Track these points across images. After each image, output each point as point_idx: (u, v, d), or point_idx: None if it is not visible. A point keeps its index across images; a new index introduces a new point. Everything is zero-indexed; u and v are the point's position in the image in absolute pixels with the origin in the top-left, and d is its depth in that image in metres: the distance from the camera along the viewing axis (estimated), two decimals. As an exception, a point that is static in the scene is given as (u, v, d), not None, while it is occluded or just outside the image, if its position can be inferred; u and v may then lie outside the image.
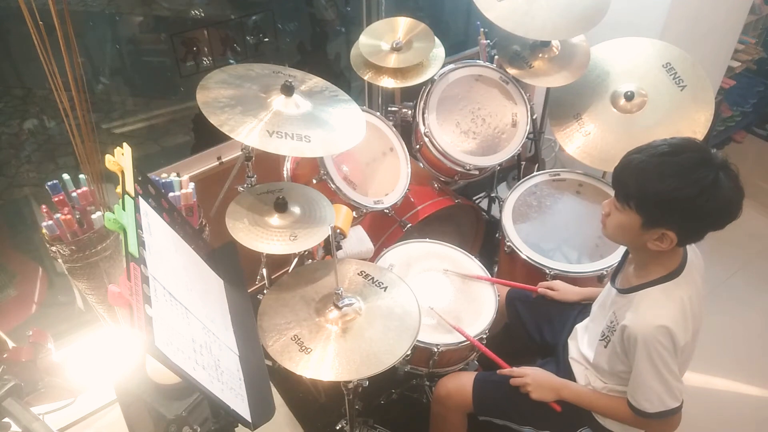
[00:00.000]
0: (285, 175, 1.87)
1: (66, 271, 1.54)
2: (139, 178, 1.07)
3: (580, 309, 1.63)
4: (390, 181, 1.92)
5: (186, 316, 1.01)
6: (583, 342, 1.46)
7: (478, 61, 2.12)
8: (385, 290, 1.44)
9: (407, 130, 2.11)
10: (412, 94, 2.07)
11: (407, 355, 1.49)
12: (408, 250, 1.84)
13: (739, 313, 2.51)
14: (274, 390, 1.97)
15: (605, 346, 1.34)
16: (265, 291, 1.49)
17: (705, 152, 1.13)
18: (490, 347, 1.69)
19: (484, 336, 1.64)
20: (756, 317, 2.50)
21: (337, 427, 1.82)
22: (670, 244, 1.18)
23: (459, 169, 2.04)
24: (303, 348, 1.27)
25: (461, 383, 1.56)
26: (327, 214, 1.50)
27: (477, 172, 2.10)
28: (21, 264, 2.07)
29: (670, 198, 1.12)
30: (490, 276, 1.75)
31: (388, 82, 1.96)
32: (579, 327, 1.53)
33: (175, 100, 2.34)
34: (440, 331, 1.63)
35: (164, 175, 1.60)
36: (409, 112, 2.09)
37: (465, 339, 1.59)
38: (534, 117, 2.13)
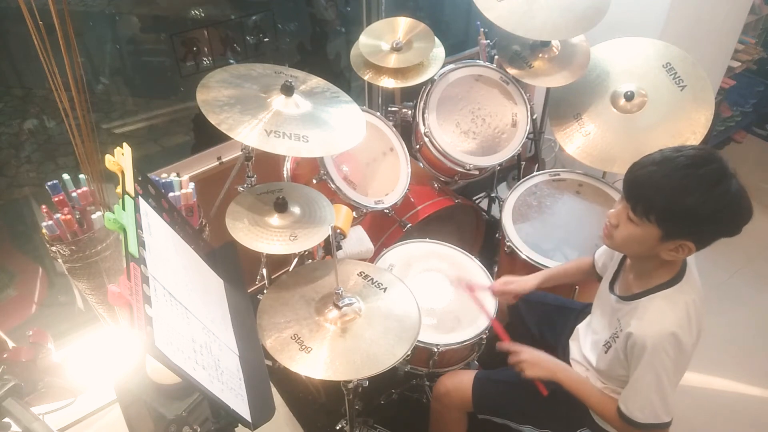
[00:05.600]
0: (285, 175, 1.87)
1: (66, 271, 1.54)
2: (139, 178, 1.07)
3: (581, 309, 1.63)
4: (390, 181, 1.92)
5: (186, 316, 1.01)
6: (585, 344, 1.45)
7: (478, 61, 2.13)
8: (384, 291, 1.44)
9: (407, 130, 2.11)
10: (412, 94, 2.07)
11: (407, 356, 1.49)
12: (408, 250, 1.84)
13: (740, 313, 2.51)
14: (274, 390, 1.97)
15: (606, 352, 1.34)
16: (265, 291, 1.49)
17: (722, 162, 1.12)
18: (489, 347, 1.69)
19: (484, 336, 1.64)
20: (756, 317, 2.50)
21: (337, 427, 1.82)
22: (689, 253, 1.17)
23: (459, 169, 2.04)
24: (303, 347, 1.27)
25: (461, 382, 1.56)
26: (327, 214, 1.50)
27: (477, 172, 2.10)
28: (21, 264, 2.07)
29: (696, 213, 1.11)
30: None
31: (388, 82, 1.97)
32: (580, 327, 1.52)
33: (175, 100, 2.34)
34: (440, 331, 1.63)
35: (164, 175, 1.60)
36: (409, 112, 2.09)
37: (465, 339, 1.59)
38: (534, 117, 2.13)
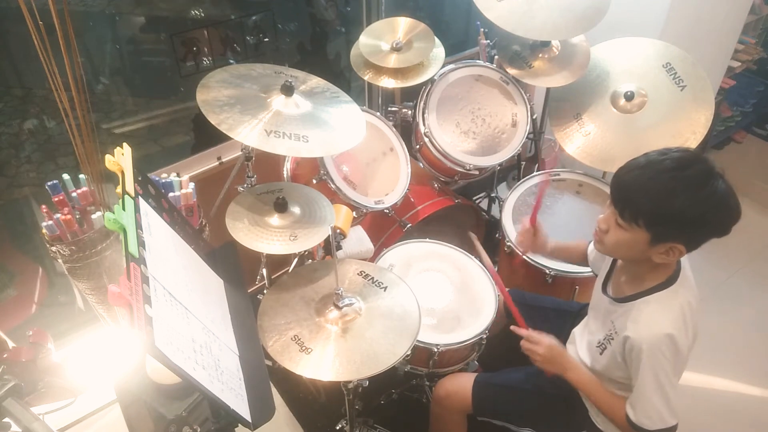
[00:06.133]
0: (285, 175, 1.87)
1: (66, 271, 1.54)
2: (139, 178, 1.07)
3: (577, 311, 1.63)
4: (390, 181, 1.92)
5: (186, 316, 1.01)
6: (581, 347, 1.45)
7: (478, 61, 2.13)
8: (385, 290, 1.44)
9: (407, 130, 2.11)
10: (412, 94, 2.07)
11: (407, 355, 1.49)
12: (408, 250, 1.84)
13: (740, 313, 2.50)
14: (274, 390, 1.97)
15: (600, 353, 1.33)
16: (265, 291, 1.49)
17: (707, 162, 1.12)
18: (489, 347, 1.70)
19: (484, 336, 1.64)
20: (756, 317, 2.50)
21: (337, 427, 1.82)
22: (680, 255, 1.17)
23: (459, 169, 2.04)
24: (303, 348, 1.27)
25: (461, 384, 1.55)
26: (327, 214, 1.50)
27: (477, 172, 2.10)
28: (21, 264, 2.07)
29: (683, 215, 1.10)
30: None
31: (388, 82, 1.97)
32: (576, 331, 1.52)
33: (175, 100, 2.34)
34: (440, 331, 1.63)
35: (164, 175, 1.60)
36: (409, 112, 2.09)
37: (465, 339, 1.59)
38: (534, 117, 2.13)
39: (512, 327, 1.49)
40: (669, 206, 1.11)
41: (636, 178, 1.14)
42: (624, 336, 1.23)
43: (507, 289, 1.77)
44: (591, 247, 1.55)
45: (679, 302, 1.21)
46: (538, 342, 1.43)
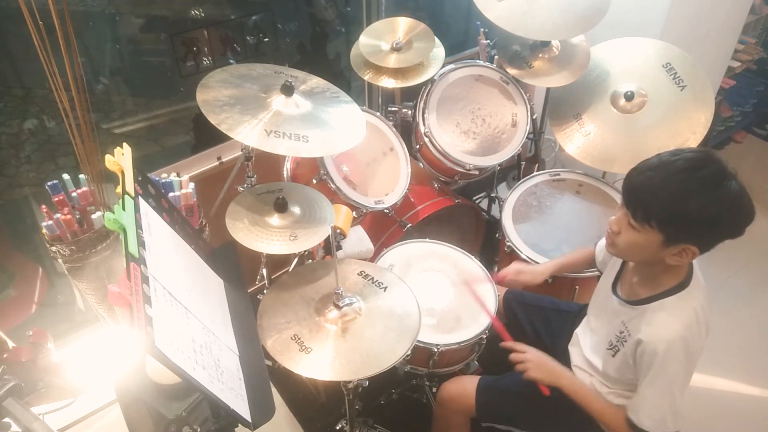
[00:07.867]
0: (285, 175, 1.87)
1: (66, 271, 1.54)
2: (139, 178, 1.07)
3: (577, 311, 1.62)
4: (390, 181, 1.92)
5: (186, 316, 1.01)
6: (585, 348, 1.44)
7: (478, 61, 2.12)
8: (385, 290, 1.44)
9: (407, 130, 2.11)
10: (412, 94, 2.07)
11: (407, 355, 1.49)
12: (408, 250, 1.84)
13: (739, 313, 2.50)
14: (274, 390, 1.97)
15: (613, 356, 1.32)
16: (265, 291, 1.49)
17: (720, 163, 1.11)
18: (489, 347, 1.70)
19: (484, 336, 1.64)
20: (756, 317, 2.50)
21: (337, 427, 1.82)
22: (693, 257, 1.16)
23: (459, 169, 2.04)
24: (303, 347, 1.27)
25: (464, 388, 1.55)
26: (327, 214, 1.50)
27: (477, 172, 2.10)
28: (21, 264, 2.07)
29: (697, 216, 1.10)
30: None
31: (388, 82, 1.96)
32: (579, 332, 1.51)
33: (175, 100, 2.34)
34: (440, 331, 1.63)
35: (164, 175, 1.60)
36: (409, 112, 2.09)
37: (465, 339, 1.59)
38: (534, 117, 2.13)
39: (502, 343, 1.50)
40: (682, 207, 1.10)
41: (648, 179, 1.14)
42: (637, 339, 1.22)
43: (506, 289, 1.78)
44: (600, 245, 1.55)
45: (693, 306, 1.20)
46: (524, 349, 1.44)
